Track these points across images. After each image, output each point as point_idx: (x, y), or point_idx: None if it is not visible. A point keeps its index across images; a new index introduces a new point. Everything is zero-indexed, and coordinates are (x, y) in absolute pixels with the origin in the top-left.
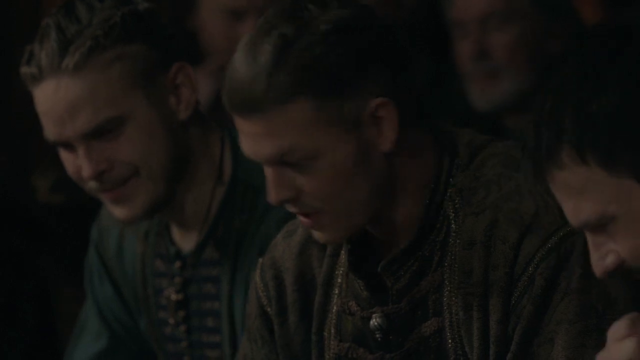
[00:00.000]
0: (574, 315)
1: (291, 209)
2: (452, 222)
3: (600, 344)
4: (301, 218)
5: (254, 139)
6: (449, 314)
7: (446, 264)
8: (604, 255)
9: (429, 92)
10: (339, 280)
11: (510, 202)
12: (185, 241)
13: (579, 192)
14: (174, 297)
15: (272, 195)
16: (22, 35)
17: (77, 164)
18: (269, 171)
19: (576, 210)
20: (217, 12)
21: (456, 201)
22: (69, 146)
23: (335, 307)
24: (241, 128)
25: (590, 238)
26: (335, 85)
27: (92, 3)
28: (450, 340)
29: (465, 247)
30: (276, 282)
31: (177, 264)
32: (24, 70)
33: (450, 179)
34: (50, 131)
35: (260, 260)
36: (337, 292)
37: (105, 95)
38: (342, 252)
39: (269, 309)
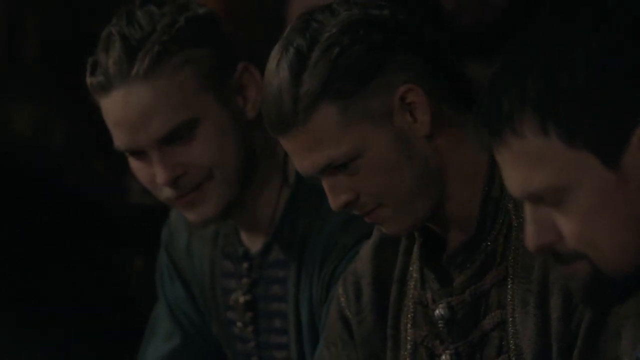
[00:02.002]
0: None
1: (354, 211)
2: (513, 216)
3: None
4: (365, 218)
5: (299, 155)
6: (512, 308)
7: (510, 259)
8: (542, 231)
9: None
10: (414, 275)
11: None
12: (253, 242)
13: (533, 162)
14: (241, 298)
15: (332, 202)
16: None
17: (150, 171)
18: (323, 181)
19: (526, 179)
20: (299, 9)
21: None
22: (140, 154)
23: (411, 301)
24: (285, 147)
25: (530, 210)
26: (356, 83)
27: (151, 10)
28: (511, 335)
29: None
30: (355, 286)
31: (245, 265)
32: (90, 80)
33: None
34: (121, 140)
35: (343, 274)
36: (412, 286)
37: (176, 99)
38: (416, 247)
39: (347, 312)
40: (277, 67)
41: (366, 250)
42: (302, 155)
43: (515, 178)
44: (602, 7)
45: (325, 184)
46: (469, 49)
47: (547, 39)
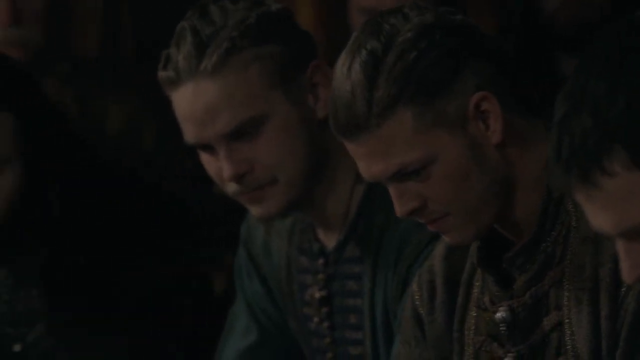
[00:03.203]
0: None
1: (420, 219)
2: (573, 216)
3: None
4: (428, 225)
5: (366, 160)
6: (568, 309)
7: (567, 259)
8: (639, 263)
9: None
10: (480, 278)
11: None
12: (329, 238)
13: (629, 197)
14: (317, 294)
15: (399, 209)
16: None
17: (218, 165)
18: (390, 187)
19: (623, 216)
20: (355, 10)
21: None
22: (209, 148)
23: (475, 304)
24: (352, 152)
25: (624, 244)
26: (433, 88)
27: (225, 5)
28: (568, 335)
29: (581, 243)
30: (430, 285)
31: (321, 261)
32: (162, 74)
33: None
34: (190, 134)
35: (419, 270)
36: (476, 290)
37: (244, 95)
38: (473, 249)
39: (421, 310)
40: (349, 70)
41: (439, 249)
42: (371, 161)
43: (609, 217)
44: None
45: (393, 191)
46: (567, 47)
47: (617, 64)
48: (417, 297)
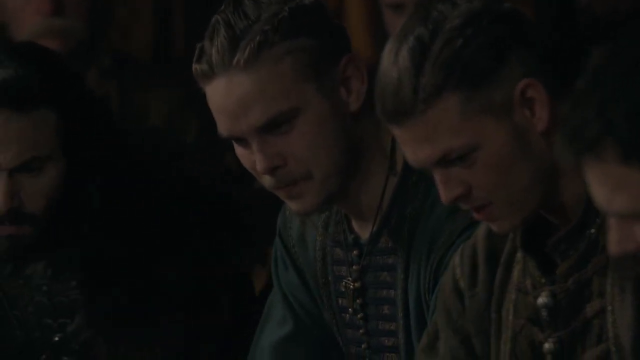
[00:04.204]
0: None
1: (464, 205)
2: None
3: None
4: (474, 213)
5: (413, 146)
6: (611, 296)
7: None
8: (624, 239)
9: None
10: (520, 260)
11: None
12: (363, 230)
13: (613, 186)
14: (352, 285)
15: (444, 195)
16: None
17: (253, 158)
18: (436, 173)
19: (607, 199)
20: (384, 7)
21: None
22: (243, 141)
23: (514, 287)
24: (399, 137)
25: (615, 220)
26: (479, 75)
27: None
28: (610, 323)
29: None
30: (472, 260)
31: (355, 252)
32: (195, 67)
33: None
34: (223, 127)
35: (462, 245)
36: (516, 272)
37: (277, 89)
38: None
39: (461, 283)
40: (397, 56)
41: (482, 229)
42: (417, 146)
43: (598, 194)
44: None
45: (438, 177)
46: (602, 38)
47: (632, 61)
48: (457, 269)
